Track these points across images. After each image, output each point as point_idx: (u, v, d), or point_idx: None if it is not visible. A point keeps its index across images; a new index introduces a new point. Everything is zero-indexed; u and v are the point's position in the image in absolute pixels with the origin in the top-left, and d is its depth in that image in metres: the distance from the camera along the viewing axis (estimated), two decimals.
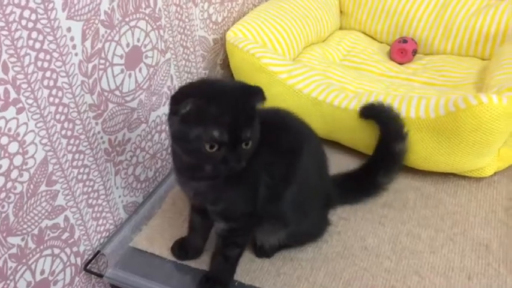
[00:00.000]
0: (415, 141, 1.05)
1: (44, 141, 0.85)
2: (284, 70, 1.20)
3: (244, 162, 0.74)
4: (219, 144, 0.72)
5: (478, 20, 1.41)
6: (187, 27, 1.20)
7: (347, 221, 1.03)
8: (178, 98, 0.72)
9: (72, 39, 0.86)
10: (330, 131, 1.19)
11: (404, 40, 1.46)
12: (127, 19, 0.98)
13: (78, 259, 1.00)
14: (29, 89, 0.80)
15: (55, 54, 0.83)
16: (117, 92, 1.00)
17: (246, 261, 0.96)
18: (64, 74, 0.86)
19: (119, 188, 1.07)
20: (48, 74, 0.83)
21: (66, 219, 0.94)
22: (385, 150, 1.05)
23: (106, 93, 0.97)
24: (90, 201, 0.99)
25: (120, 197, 1.08)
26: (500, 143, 1.01)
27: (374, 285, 0.90)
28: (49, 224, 0.90)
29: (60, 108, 0.87)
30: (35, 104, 0.82)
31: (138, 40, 1.03)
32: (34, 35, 0.79)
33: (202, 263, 0.97)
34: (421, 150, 1.05)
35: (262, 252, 0.95)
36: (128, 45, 1.00)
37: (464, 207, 1.04)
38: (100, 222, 1.04)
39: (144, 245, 1.03)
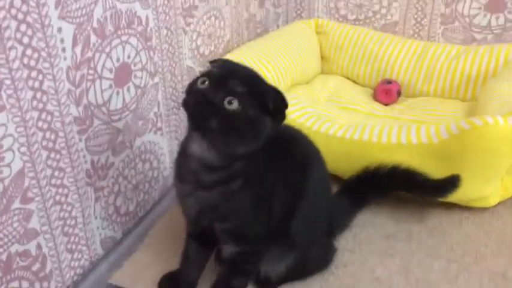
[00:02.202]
0: (419, 166, 1.00)
1: (23, 149, 0.74)
2: None
3: (215, 122, 0.67)
4: (209, 80, 0.68)
5: (458, 63, 1.44)
6: (176, 53, 1.15)
7: (352, 253, 0.95)
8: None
9: (62, 41, 0.79)
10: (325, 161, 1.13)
11: (388, 81, 1.47)
12: (119, 32, 0.93)
13: None
14: (12, 86, 0.71)
15: (43, 54, 0.75)
16: (103, 109, 0.92)
17: None
18: (51, 78, 0.78)
19: (97, 218, 0.95)
20: (34, 74, 0.74)
21: (39, 246, 0.81)
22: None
23: (93, 108, 0.89)
24: (66, 229, 0.87)
25: (98, 228, 0.96)
26: (505, 167, 0.98)
27: None
28: (19, 249, 0.77)
29: (44, 115, 0.77)
30: (17, 105, 0.72)
31: (129, 57, 0.97)
32: (23, 27, 0.71)
33: None
34: None
35: (267, 284, 0.85)
36: (118, 59, 0.94)
37: (473, 238, 0.99)
38: (75, 255, 0.90)
39: (126, 281, 0.90)
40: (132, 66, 0.99)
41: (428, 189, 1.00)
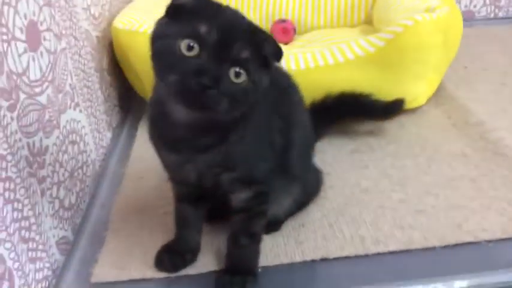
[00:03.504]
0: (361, 79, 1.03)
1: None
2: None
3: (225, 104, 0.55)
4: (200, 45, 0.54)
5: None
6: (73, 13, 0.97)
7: (330, 175, 0.94)
8: None
9: None
10: None
11: (283, 20, 1.47)
12: None
13: None
14: None
15: None
16: (25, 78, 0.73)
17: None
18: None
19: (47, 216, 0.77)
20: None
21: (2, 260, 0.62)
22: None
23: (15, 77, 0.70)
24: (23, 232, 0.68)
25: (51, 229, 0.78)
26: (435, 61, 1.06)
27: (400, 216, 0.82)
28: None
29: None
30: None
31: (34, 14, 0.78)
32: None
33: (205, 265, 0.75)
34: (368, 86, 1.03)
35: (277, 224, 0.79)
36: (25, 16, 0.75)
37: (421, 135, 1.06)
38: (37, 265, 0.72)
39: (113, 273, 0.75)
40: (39, 26, 0.80)
41: (377, 111, 1.04)
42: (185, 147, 0.63)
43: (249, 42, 0.56)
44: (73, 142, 0.91)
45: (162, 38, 0.56)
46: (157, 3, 1.23)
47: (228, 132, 0.63)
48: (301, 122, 0.77)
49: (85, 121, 0.99)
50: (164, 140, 0.65)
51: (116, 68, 1.23)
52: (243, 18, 0.60)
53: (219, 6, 0.59)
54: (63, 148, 0.86)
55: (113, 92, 1.22)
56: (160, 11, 1.19)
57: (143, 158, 1.05)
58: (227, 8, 0.59)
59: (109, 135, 1.15)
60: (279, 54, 0.60)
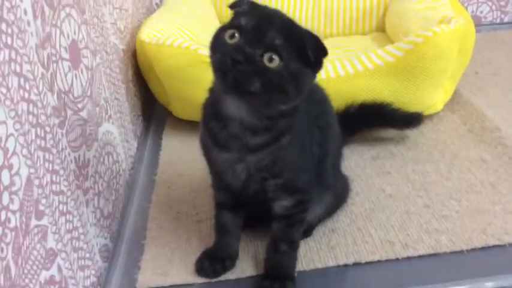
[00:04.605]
0: (381, 88, 1.07)
1: (24, 151, 0.59)
2: None
3: (257, 84, 0.59)
4: (240, 33, 0.60)
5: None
6: (104, 29, 1.01)
7: (355, 181, 0.97)
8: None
9: (25, 12, 0.63)
10: None
11: None
12: (62, 3, 0.77)
13: None
14: None
15: (15, 29, 0.59)
16: (70, 96, 0.77)
17: None
18: (27, 59, 0.62)
19: (91, 225, 0.81)
20: (13, 54, 0.58)
21: (60, 269, 0.66)
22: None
23: (63, 95, 0.73)
24: (74, 242, 0.72)
25: (94, 237, 0.82)
26: (451, 70, 1.10)
27: (426, 221, 0.86)
28: (47, 276, 0.61)
29: (31, 107, 0.62)
30: (8, 95, 0.56)
31: (75, 33, 0.82)
32: None
33: (243, 270, 0.79)
34: (388, 95, 1.07)
35: (307, 229, 0.83)
36: (68, 36, 0.79)
37: (440, 140, 1.09)
38: (86, 273, 0.76)
39: (156, 280, 0.78)
40: (79, 44, 0.84)
41: (398, 123, 1.08)
42: (237, 146, 0.67)
43: (284, 33, 0.60)
44: (108, 153, 0.95)
45: (216, 35, 0.63)
46: (178, 13, 1.28)
47: (279, 136, 0.67)
48: (334, 133, 0.81)
49: (116, 132, 1.03)
50: (217, 138, 0.69)
51: (138, 78, 1.27)
52: (285, 16, 0.65)
53: (265, 7, 0.65)
54: (101, 159, 0.90)
55: (137, 102, 1.26)
56: (182, 22, 1.23)
57: (171, 166, 1.09)
58: (272, 8, 0.66)
59: (135, 144, 1.19)
60: (322, 50, 0.62)
